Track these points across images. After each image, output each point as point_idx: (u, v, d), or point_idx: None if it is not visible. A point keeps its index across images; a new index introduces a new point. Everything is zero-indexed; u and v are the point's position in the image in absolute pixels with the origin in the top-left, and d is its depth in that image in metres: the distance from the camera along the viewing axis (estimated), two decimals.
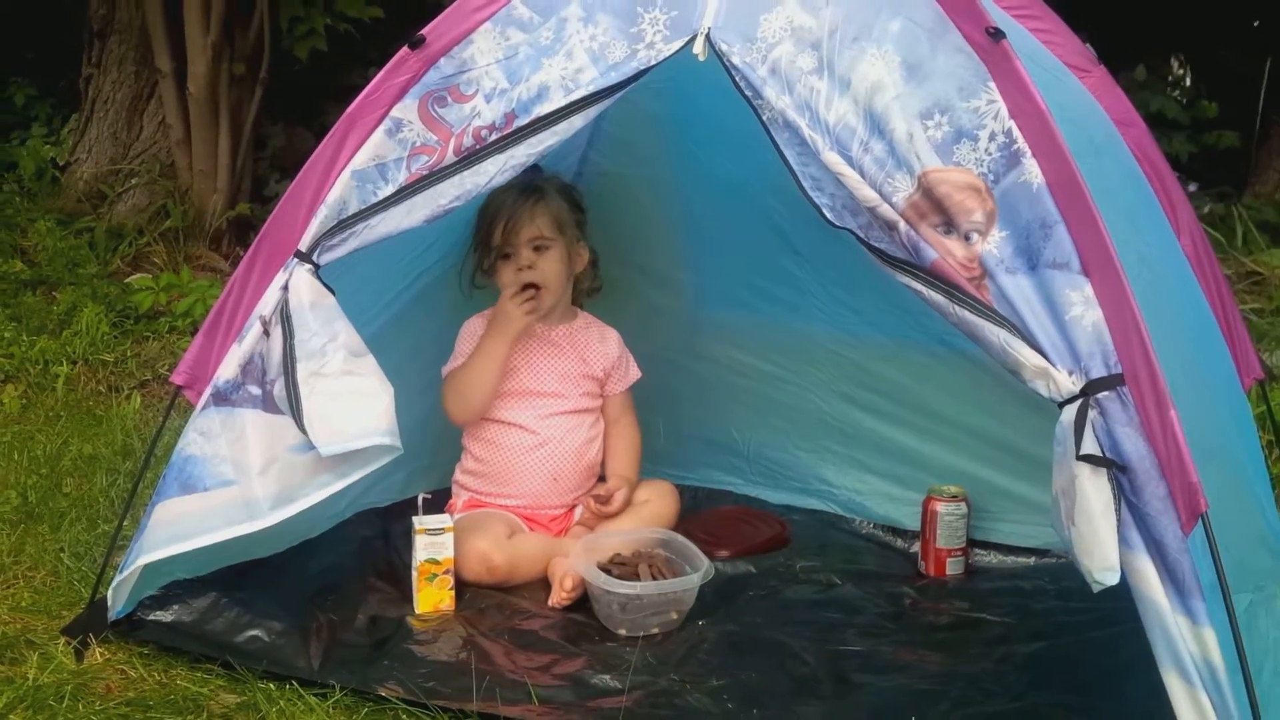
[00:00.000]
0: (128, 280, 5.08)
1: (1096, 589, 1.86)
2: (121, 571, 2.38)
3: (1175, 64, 7.33)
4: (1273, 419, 3.37)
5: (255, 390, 2.33)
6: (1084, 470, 1.85)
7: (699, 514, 3.17)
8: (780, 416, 3.29)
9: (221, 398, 2.34)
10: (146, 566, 2.36)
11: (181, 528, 2.33)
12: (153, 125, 5.81)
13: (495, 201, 2.82)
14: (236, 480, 2.31)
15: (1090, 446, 1.85)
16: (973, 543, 2.97)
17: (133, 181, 5.74)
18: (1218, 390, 2.43)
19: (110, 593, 2.42)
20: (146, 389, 4.27)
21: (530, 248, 2.91)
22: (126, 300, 4.83)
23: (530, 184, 2.88)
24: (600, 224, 3.07)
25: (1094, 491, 1.84)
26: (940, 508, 2.93)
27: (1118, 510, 1.83)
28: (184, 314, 4.73)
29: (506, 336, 2.90)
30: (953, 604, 2.78)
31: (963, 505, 2.94)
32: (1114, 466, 1.84)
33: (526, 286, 2.90)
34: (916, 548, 3.01)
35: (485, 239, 2.93)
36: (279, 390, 2.29)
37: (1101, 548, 1.83)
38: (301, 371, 2.28)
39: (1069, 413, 1.89)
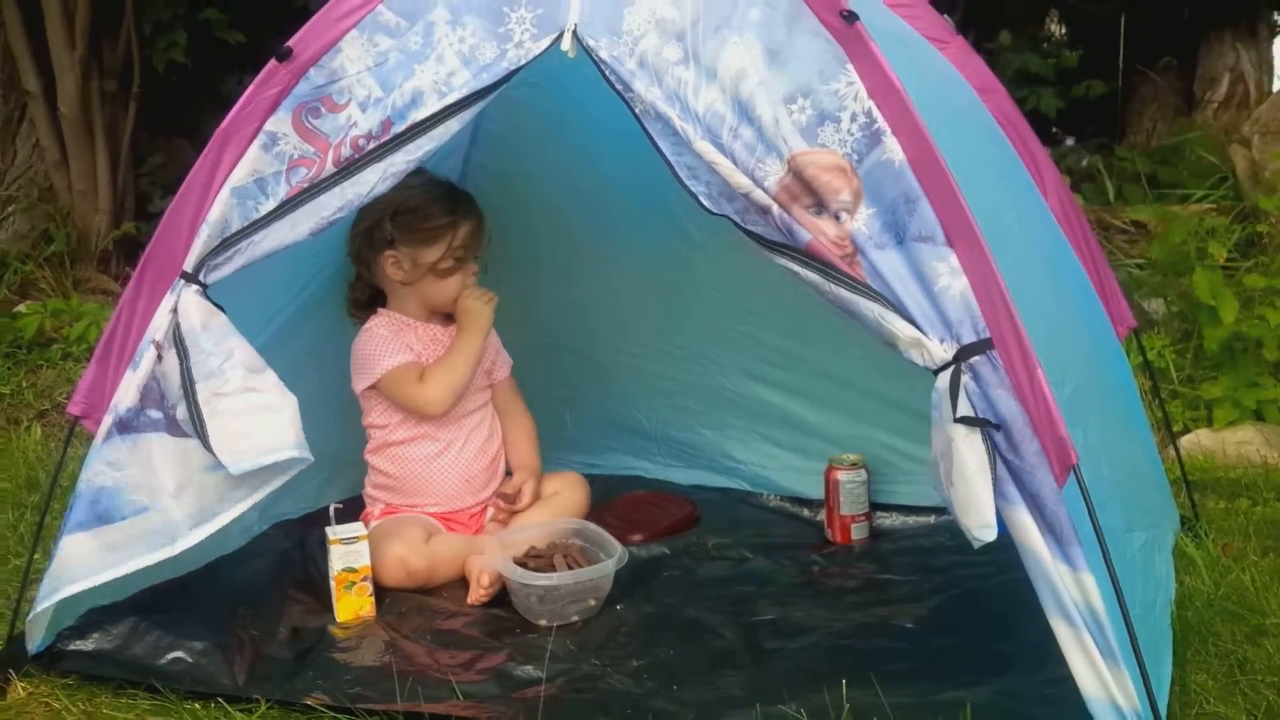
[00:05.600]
0: (16, 310, 4.98)
1: (977, 545, 1.93)
2: (37, 606, 2.37)
3: (1049, 21, 7.50)
4: (1149, 366, 3.48)
5: (156, 414, 2.31)
6: (959, 432, 1.91)
7: (609, 501, 3.21)
8: (683, 396, 3.34)
9: (124, 425, 2.32)
10: (63, 599, 2.35)
11: (103, 559, 2.32)
12: (26, 148, 5.70)
13: (460, 202, 2.92)
14: (150, 506, 2.30)
15: (965, 409, 1.91)
16: (875, 506, 3.05)
17: (11, 208, 5.62)
18: (1093, 343, 2.52)
19: (27, 627, 2.40)
20: (46, 419, 4.20)
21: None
22: (15, 330, 4.75)
23: (456, 190, 2.94)
24: (491, 220, 3.08)
25: (969, 453, 1.90)
26: (841, 476, 3.01)
27: (993, 469, 1.90)
28: (78, 339, 4.66)
29: (482, 332, 2.94)
30: (860, 567, 2.88)
31: (862, 472, 3.02)
32: (988, 426, 1.90)
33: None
34: (822, 516, 3.08)
35: (446, 238, 2.91)
36: (182, 414, 2.28)
37: (978, 507, 1.89)
38: (201, 393, 2.27)
39: (943, 379, 1.95)
